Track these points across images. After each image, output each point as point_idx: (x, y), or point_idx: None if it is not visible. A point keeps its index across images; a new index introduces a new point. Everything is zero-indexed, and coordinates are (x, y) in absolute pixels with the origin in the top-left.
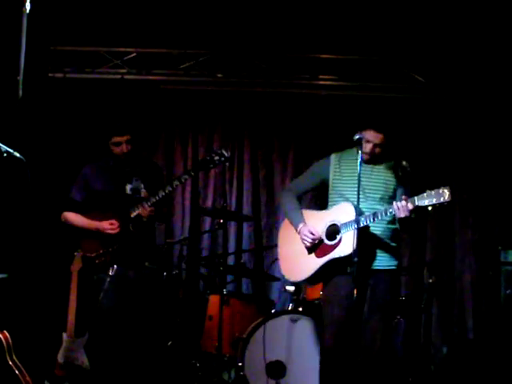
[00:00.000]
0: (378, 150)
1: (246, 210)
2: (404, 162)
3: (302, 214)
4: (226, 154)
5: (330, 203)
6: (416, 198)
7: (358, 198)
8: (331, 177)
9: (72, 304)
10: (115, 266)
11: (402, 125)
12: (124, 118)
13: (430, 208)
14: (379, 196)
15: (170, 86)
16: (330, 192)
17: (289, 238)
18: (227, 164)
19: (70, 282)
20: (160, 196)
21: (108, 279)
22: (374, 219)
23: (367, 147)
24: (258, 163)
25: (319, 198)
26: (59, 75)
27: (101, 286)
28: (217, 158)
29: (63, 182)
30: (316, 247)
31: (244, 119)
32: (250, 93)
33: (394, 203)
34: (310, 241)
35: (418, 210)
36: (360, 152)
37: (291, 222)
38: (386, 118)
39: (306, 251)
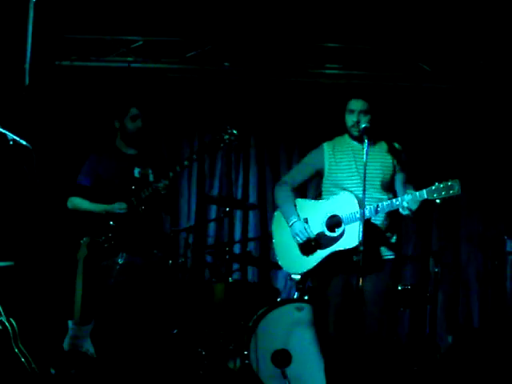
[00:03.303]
0: (364, 119)
1: (252, 198)
2: (397, 145)
3: (295, 207)
4: (235, 133)
5: (324, 193)
6: (425, 190)
7: (364, 187)
8: (327, 166)
9: (78, 291)
10: (124, 254)
11: (406, 114)
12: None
13: (438, 201)
14: (378, 183)
15: (176, 74)
16: (325, 182)
17: (283, 231)
18: (236, 143)
19: (75, 269)
20: (170, 176)
21: (117, 267)
22: (377, 211)
23: (353, 118)
24: (264, 151)
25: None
26: (66, 63)
27: (109, 273)
28: (226, 136)
29: (69, 169)
30: (316, 239)
31: (250, 108)
32: (257, 82)
33: (401, 200)
34: (304, 239)
35: (426, 203)
36: (366, 141)
37: (284, 216)
38: (364, 89)
39: (303, 248)
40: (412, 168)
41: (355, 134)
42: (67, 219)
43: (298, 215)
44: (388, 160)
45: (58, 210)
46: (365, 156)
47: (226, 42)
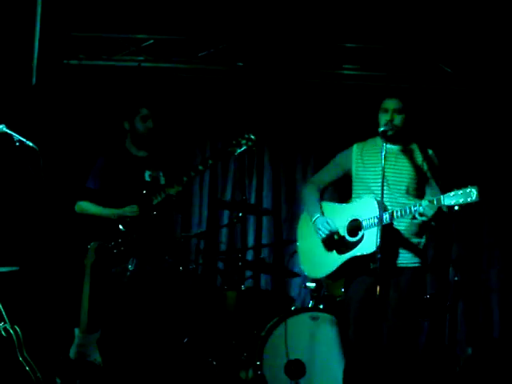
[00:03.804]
0: (398, 119)
1: (266, 203)
2: (430, 151)
3: (320, 206)
4: (253, 138)
5: (354, 195)
6: (442, 197)
7: (382, 192)
8: (354, 167)
9: (85, 298)
10: (134, 260)
11: (428, 117)
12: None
13: (456, 208)
14: (404, 188)
15: (188, 74)
16: (354, 183)
17: (308, 231)
18: (254, 149)
19: (83, 275)
20: (184, 181)
21: (127, 273)
22: (397, 217)
23: (386, 117)
24: (278, 154)
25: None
26: (74, 62)
27: (119, 280)
28: (244, 141)
29: (77, 172)
30: (337, 243)
31: (264, 109)
32: (271, 82)
33: (418, 205)
34: (327, 232)
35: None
36: (384, 145)
37: (308, 215)
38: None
39: (326, 247)
40: (444, 176)
41: (389, 133)
42: (75, 223)
43: (323, 213)
44: (417, 165)
45: (65, 214)
46: (382, 160)
47: (239, 41)
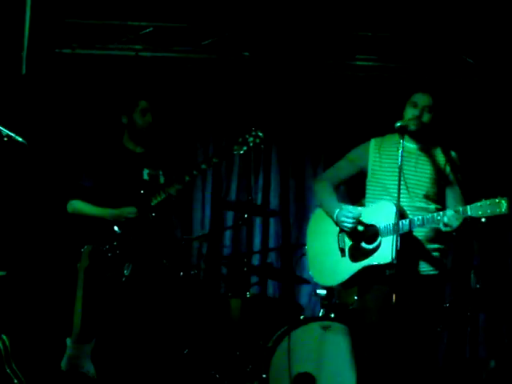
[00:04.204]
0: (426, 116)
1: (274, 203)
2: (453, 153)
3: (337, 201)
4: (261, 135)
5: (368, 195)
6: (469, 207)
7: (399, 195)
8: (370, 165)
9: (78, 306)
10: (130, 265)
11: (449, 112)
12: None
13: (483, 219)
14: (424, 192)
15: (189, 64)
16: (369, 182)
17: (320, 233)
18: (262, 146)
19: (75, 281)
20: (186, 181)
21: (123, 279)
22: (418, 225)
23: (415, 112)
24: (286, 152)
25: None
26: (67, 51)
27: (114, 286)
28: (251, 139)
29: (70, 169)
30: (351, 249)
31: (272, 104)
32: (279, 74)
33: (443, 215)
34: (352, 222)
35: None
36: (402, 142)
37: (326, 211)
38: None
39: (339, 252)
40: (466, 180)
41: (412, 127)
42: (67, 224)
43: (341, 206)
44: (439, 168)
45: (56, 214)
46: (399, 158)
47: (245, 29)
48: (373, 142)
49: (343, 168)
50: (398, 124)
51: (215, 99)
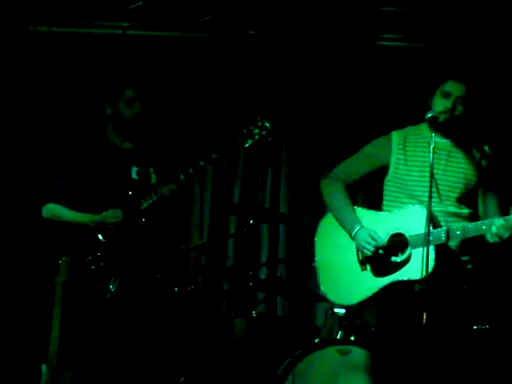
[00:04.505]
0: (459, 109)
1: (284, 207)
2: (487, 149)
3: (355, 211)
4: (267, 126)
5: (387, 198)
6: None
7: (430, 199)
8: (393, 162)
9: (55, 328)
10: (117, 279)
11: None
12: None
13: None
14: (457, 195)
15: (185, 44)
16: (389, 182)
17: (333, 243)
18: (269, 139)
19: (52, 298)
20: (181, 180)
21: (108, 295)
22: (449, 237)
23: (447, 104)
24: (298, 147)
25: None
26: (43, 29)
27: (97, 304)
28: (257, 130)
29: (46, 167)
30: (374, 262)
31: (281, 91)
32: (290, 56)
33: (490, 224)
34: (373, 249)
35: None
36: (433, 136)
37: (342, 224)
38: (468, 67)
39: (358, 265)
40: (501, 180)
41: (442, 120)
42: (41, 232)
43: (361, 223)
44: (473, 166)
45: (29, 221)
46: (431, 155)
47: (250, 4)
48: (395, 135)
49: (358, 165)
50: (429, 115)
51: (215, 85)
